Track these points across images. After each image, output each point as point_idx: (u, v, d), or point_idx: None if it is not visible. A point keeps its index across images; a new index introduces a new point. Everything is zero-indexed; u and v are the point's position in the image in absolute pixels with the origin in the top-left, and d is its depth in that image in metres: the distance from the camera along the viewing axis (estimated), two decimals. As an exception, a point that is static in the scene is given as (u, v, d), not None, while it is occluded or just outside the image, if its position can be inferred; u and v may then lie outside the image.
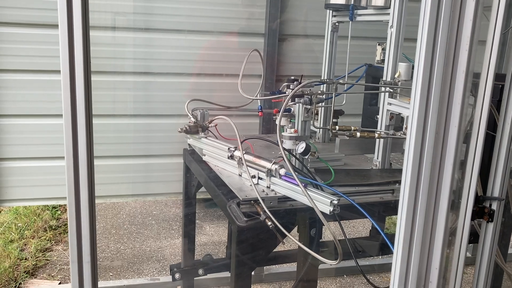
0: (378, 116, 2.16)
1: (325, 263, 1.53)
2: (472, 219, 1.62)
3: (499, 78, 1.63)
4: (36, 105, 2.87)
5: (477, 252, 1.78)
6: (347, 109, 2.44)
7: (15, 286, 3.33)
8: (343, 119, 2.42)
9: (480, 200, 1.71)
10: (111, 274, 3.65)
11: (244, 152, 1.94)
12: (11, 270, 3.50)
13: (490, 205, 1.71)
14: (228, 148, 2.04)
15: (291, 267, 3.60)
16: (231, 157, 2.03)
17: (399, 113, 2.04)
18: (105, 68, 2.95)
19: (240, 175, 2.02)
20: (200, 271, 2.64)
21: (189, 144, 2.41)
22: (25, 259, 3.71)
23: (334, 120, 2.28)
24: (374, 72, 2.47)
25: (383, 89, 2.10)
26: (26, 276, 3.50)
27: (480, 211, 1.71)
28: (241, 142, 1.96)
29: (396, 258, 1.10)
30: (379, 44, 2.23)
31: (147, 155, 3.17)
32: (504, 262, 2.01)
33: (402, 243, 1.08)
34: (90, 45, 1.04)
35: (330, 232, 1.47)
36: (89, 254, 1.09)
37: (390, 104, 2.06)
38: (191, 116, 2.21)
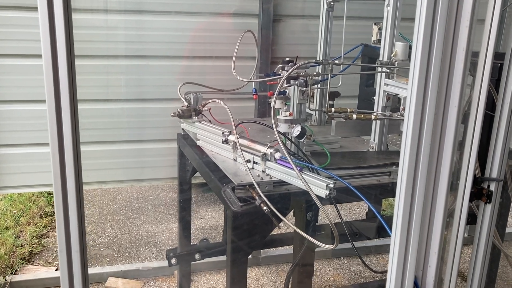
0: (374, 97, 2.13)
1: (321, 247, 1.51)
2: (470, 200, 1.60)
3: (498, 56, 1.60)
4: (30, 91, 2.82)
5: (474, 233, 1.77)
6: (343, 91, 2.40)
7: (11, 273, 3.32)
8: (339, 101, 2.38)
9: (478, 181, 1.69)
10: (107, 259, 3.64)
11: (238, 136, 1.91)
12: (7, 257, 3.49)
13: (488, 186, 1.70)
14: (222, 133, 2.01)
15: (288, 249, 3.60)
16: (226, 141, 1.99)
17: (396, 94, 2.00)
18: (96, 52, 2.89)
19: (235, 160, 1.99)
20: (197, 256, 2.63)
21: (182, 129, 2.37)
22: (21, 246, 3.70)
23: (330, 102, 2.24)
24: (370, 52, 2.42)
25: (379, 69, 2.05)
26: (22, 263, 3.49)
27: (478, 192, 1.70)
28: (236, 126, 1.92)
29: (394, 243, 1.07)
30: (375, 24, 2.18)
31: (141, 140, 3.14)
32: (501, 243, 2.01)
33: (401, 228, 1.05)
34: (72, 27, 1.00)
35: (326, 216, 1.44)
36: (78, 243, 1.06)
37: (386, 85, 2.02)
38: (184, 100, 2.17)
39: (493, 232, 1.75)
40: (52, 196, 4.62)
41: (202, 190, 4.80)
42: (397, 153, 2.14)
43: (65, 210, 1.03)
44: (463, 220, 1.59)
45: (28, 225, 4.04)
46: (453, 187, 1.55)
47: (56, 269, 3.42)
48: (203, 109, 2.20)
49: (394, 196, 1.14)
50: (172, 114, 2.16)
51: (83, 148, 1.09)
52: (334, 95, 2.35)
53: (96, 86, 2.96)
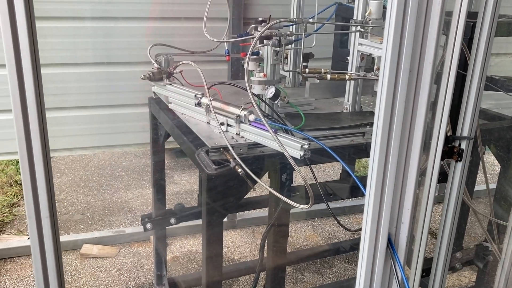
0: (348, 58, 2.11)
1: (296, 207, 1.51)
2: (442, 158, 1.63)
3: (471, 16, 1.59)
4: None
5: (445, 190, 1.80)
6: (317, 53, 2.37)
7: (-17, 243, 3.26)
8: (312, 63, 2.35)
9: (449, 140, 1.72)
10: (82, 226, 3.61)
11: (212, 99, 1.87)
12: (-23, 227, 3.42)
13: (459, 144, 1.72)
14: (195, 95, 1.96)
15: (263, 212, 3.64)
16: (198, 104, 1.95)
17: (370, 54, 1.99)
18: (62, 14, 2.77)
19: (208, 123, 1.95)
20: (172, 220, 2.62)
21: (154, 92, 2.31)
22: (-9, 216, 3.62)
23: (304, 64, 2.21)
24: (344, 11, 2.39)
25: (353, 28, 2.03)
26: (-7, 233, 3.43)
27: (450, 151, 1.72)
28: (208, 88, 1.88)
29: (369, 201, 1.08)
30: (349, -18, 2.14)
31: (112, 105, 3.06)
32: (470, 200, 2.06)
33: (375, 185, 1.06)
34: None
35: (301, 176, 1.44)
36: (47, 209, 1.02)
37: (360, 44, 2.00)
38: (154, 62, 2.10)
39: (463, 189, 1.79)
40: (22, 165, 4.51)
41: (175, 155, 4.76)
42: (371, 113, 2.15)
43: (32, 175, 0.99)
44: (435, 177, 1.62)
45: (-2, 194, 3.95)
46: (425, 146, 1.58)
47: (29, 238, 3.38)
48: (174, 71, 2.14)
49: (367, 156, 1.14)
50: (142, 76, 2.10)
51: (52, 114, 1.05)
52: (307, 57, 2.32)
53: (64, 50, 2.84)
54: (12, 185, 4.12)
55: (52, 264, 1.08)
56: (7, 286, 2.94)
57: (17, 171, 4.36)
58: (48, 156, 1.00)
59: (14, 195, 3.98)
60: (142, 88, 2.53)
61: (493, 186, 2.46)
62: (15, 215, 3.71)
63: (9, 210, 3.76)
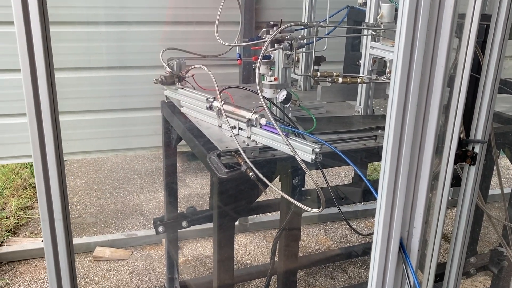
0: (360, 61, 2.10)
1: (308, 211, 1.51)
2: (455, 162, 1.61)
3: (484, 18, 1.58)
4: (5, 59, 2.73)
5: (459, 194, 1.79)
6: (329, 56, 2.37)
7: (-3, 245, 3.30)
8: (324, 66, 2.35)
9: (463, 144, 1.70)
10: (94, 229, 3.64)
11: (223, 102, 1.88)
12: (-8, 229, 3.46)
13: (473, 148, 1.70)
14: (207, 99, 1.97)
15: (275, 215, 3.64)
16: (210, 108, 1.96)
17: (382, 57, 1.98)
18: (76, 18, 2.80)
19: (219, 126, 1.96)
20: (184, 224, 2.63)
21: (166, 96, 2.32)
22: (6, 218, 3.67)
23: (315, 67, 2.21)
24: (356, 15, 2.38)
25: (365, 31, 2.02)
26: (8, 235, 3.47)
27: (463, 155, 1.70)
28: (220, 92, 1.89)
29: (380, 205, 1.08)
30: (361, -15, 2.13)
31: (125, 108, 3.08)
32: (484, 204, 2.04)
33: (387, 189, 1.05)
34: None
35: (312, 180, 1.44)
36: (61, 211, 1.04)
37: (372, 47, 2.00)
38: (166, 66, 2.12)
39: (477, 194, 1.77)
40: (36, 168, 4.56)
41: (188, 159, 4.79)
42: (383, 117, 2.14)
43: (45, 178, 1.01)
44: (448, 181, 1.60)
45: (12, 197, 3.99)
46: (438, 150, 1.56)
47: (42, 240, 3.41)
48: (186, 75, 2.16)
49: (380, 160, 1.13)
50: (155, 80, 2.12)
51: (66, 118, 1.07)
52: (319, 60, 2.32)
53: (77, 54, 2.88)
54: (26, 188, 4.18)
55: (65, 266, 1.10)
56: (21, 287, 2.97)
57: (32, 174, 4.42)
58: (62, 160, 1.02)
59: (28, 198, 4.03)
60: (155, 92, 2.55)
61: (508, 190, 2.43)
62: (29, 218, 3.76)
63: (23, 212, 3.81)
